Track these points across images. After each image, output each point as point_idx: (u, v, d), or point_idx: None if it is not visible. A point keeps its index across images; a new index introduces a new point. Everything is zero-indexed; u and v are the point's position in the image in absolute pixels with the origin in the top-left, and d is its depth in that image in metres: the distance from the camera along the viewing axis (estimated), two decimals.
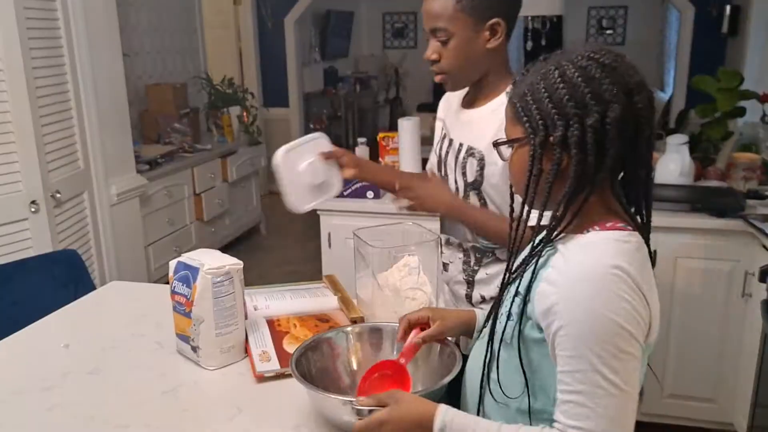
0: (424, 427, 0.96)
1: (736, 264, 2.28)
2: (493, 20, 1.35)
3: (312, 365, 1.18)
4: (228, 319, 1.31)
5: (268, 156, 5.45)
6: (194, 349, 1.32)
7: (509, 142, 1.00)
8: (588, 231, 0.95)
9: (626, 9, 7.50)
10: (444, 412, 0.96)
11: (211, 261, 1.31)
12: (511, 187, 1.08)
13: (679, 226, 2.31)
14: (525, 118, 0.95)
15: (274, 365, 1.27)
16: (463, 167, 1.45)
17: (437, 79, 1.43)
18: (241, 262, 1.35)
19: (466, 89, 1.50)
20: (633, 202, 0.99)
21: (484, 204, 1.44)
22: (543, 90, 0.93)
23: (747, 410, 2.18)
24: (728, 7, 4.96)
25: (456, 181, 1.48)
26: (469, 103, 1.49)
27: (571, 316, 0.88)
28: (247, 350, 1.34)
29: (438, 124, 1.63)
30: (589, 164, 0.91)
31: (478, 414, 1.07)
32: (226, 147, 4.55)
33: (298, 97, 6.36)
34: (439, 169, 1.56)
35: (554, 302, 0.90)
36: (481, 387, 1.06)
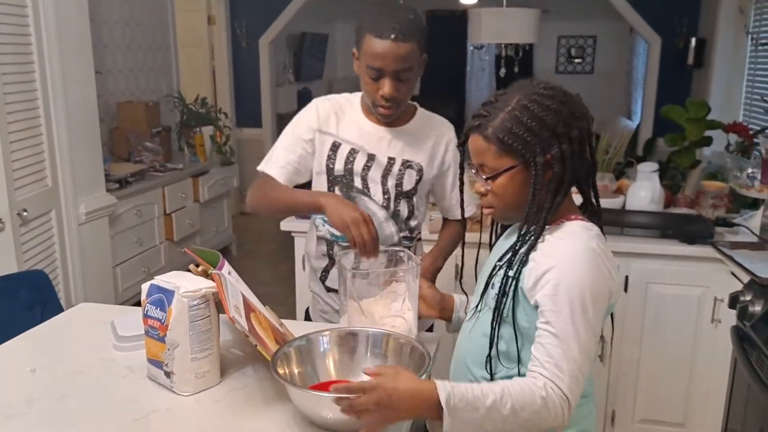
0: (423, 398, 1.01)
1: (705, 290, 2.32)
2: (424, 56, 1.57)
3: (287, 368, 1.23)
4: (204, 343, 1.28)
5: (240, 176, 5.41)
6: (168, 374, 1.28)
7: (506, 171, 1.14)
8: (562, 222, 1.17)
9: (595, 39, 7.69)
10: (443, 383, 1.03)
11: (186, 284, 1.28)
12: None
13: (650, 252, 2.34)
14: (520, 147, 1.11)
15: (243, 323, 1.24)
16: (400, 178, 1.64)
17: (388, 111, 1.57)
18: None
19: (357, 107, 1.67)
20: (594, 193, 1.23)
21: (411, 209, 1.66)
22: (528, 120, 1.11)
23: None
24: (693, 40, 5.13)
25: (387, 192, 1.64)
26: (385, 123, 1.64)
27: (564, 279, 1.08)
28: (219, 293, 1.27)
29: (317, 136, 1.65)
30: (577, 169, 1.14)
31: None
32: (198, 167, 4.50)
33: (271, 117, 6.35)
34: (346, 181, 1.64)
35: (546, 269, 1.10)
36: (488, 362, 1.19)
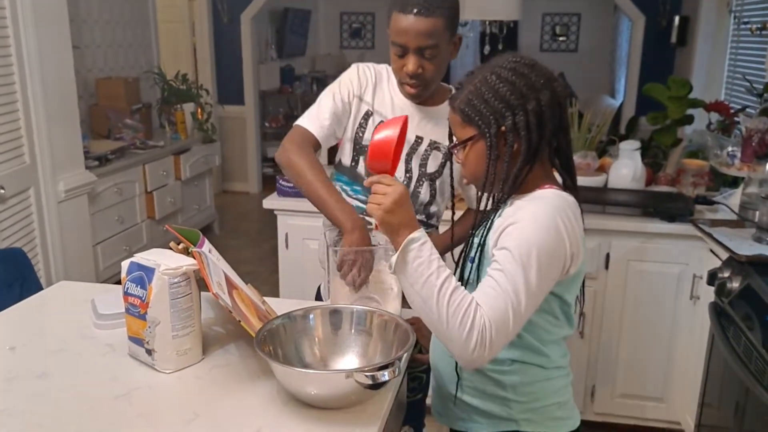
0: (408, 227, 1.10)
1: (685, 267, 2.35)
2: (456, 36, 1.54)
3: (271, 345, 1.22)
4: (185, 320, 1.27)
5: (222, 154, 5.36)
6: (149, 352, 1.27)
7: (465, 141, 1.18)
8: (534, 191, 1.17)
9: (579, 16, 7.66)
10: (421, 232, 1.11)
11: (167, 261, 1.27)
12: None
13: (631, 229, 2.36)
14: (477, 118, 1.14)
15: (226, 299, 1.23)
16: (425, 159, 1.60)
17: (415, 90, 1.54)
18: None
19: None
20: (564, 168, 1.23)
21: (433, 194, 1.63)
22: (486, 92, 1.13)
23: (694, 409, 2.25)
24: (677, 18, 5.13)
25: (409, 171, 1.61)
26: (416, 101, 1.60)
27: (520, 234, 1.09)
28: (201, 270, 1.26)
29: (355, 102, 1.62)
30: (534, 141, 1.13)
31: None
32: (180, 144, 4.45)
33: (253, 95, 6.28)
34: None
35: (507, 225, 1.11)
36: None
